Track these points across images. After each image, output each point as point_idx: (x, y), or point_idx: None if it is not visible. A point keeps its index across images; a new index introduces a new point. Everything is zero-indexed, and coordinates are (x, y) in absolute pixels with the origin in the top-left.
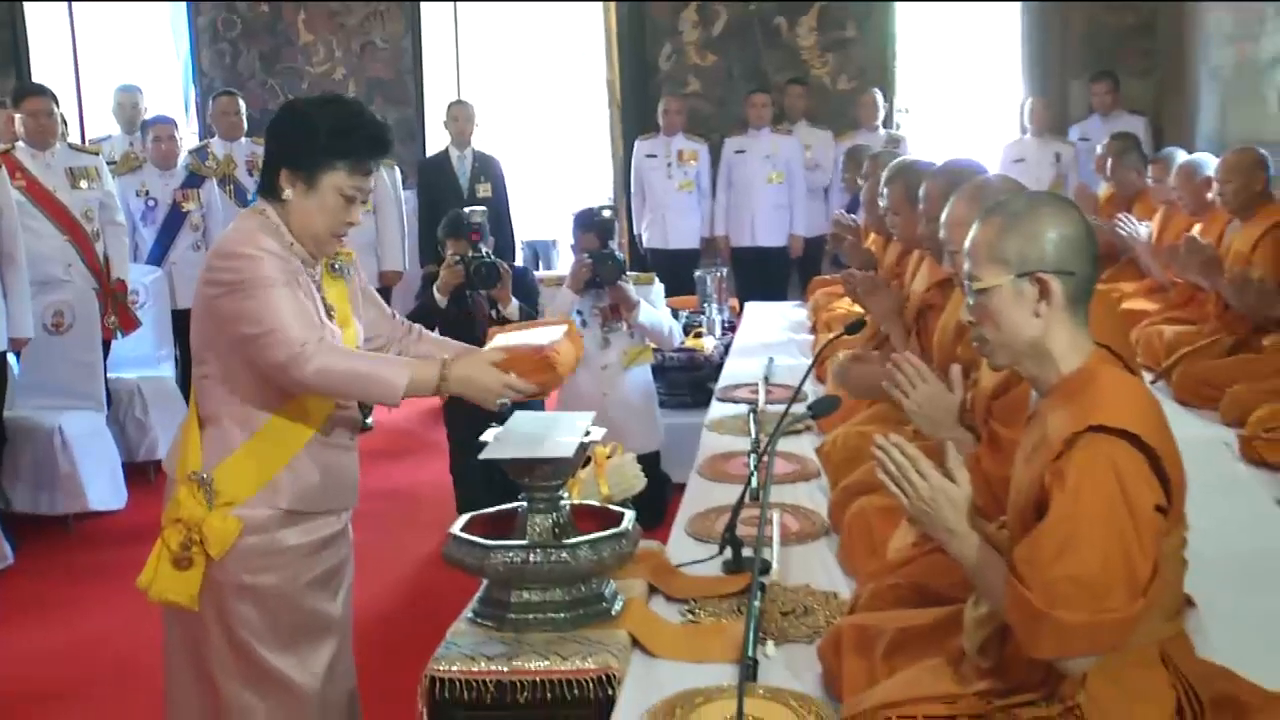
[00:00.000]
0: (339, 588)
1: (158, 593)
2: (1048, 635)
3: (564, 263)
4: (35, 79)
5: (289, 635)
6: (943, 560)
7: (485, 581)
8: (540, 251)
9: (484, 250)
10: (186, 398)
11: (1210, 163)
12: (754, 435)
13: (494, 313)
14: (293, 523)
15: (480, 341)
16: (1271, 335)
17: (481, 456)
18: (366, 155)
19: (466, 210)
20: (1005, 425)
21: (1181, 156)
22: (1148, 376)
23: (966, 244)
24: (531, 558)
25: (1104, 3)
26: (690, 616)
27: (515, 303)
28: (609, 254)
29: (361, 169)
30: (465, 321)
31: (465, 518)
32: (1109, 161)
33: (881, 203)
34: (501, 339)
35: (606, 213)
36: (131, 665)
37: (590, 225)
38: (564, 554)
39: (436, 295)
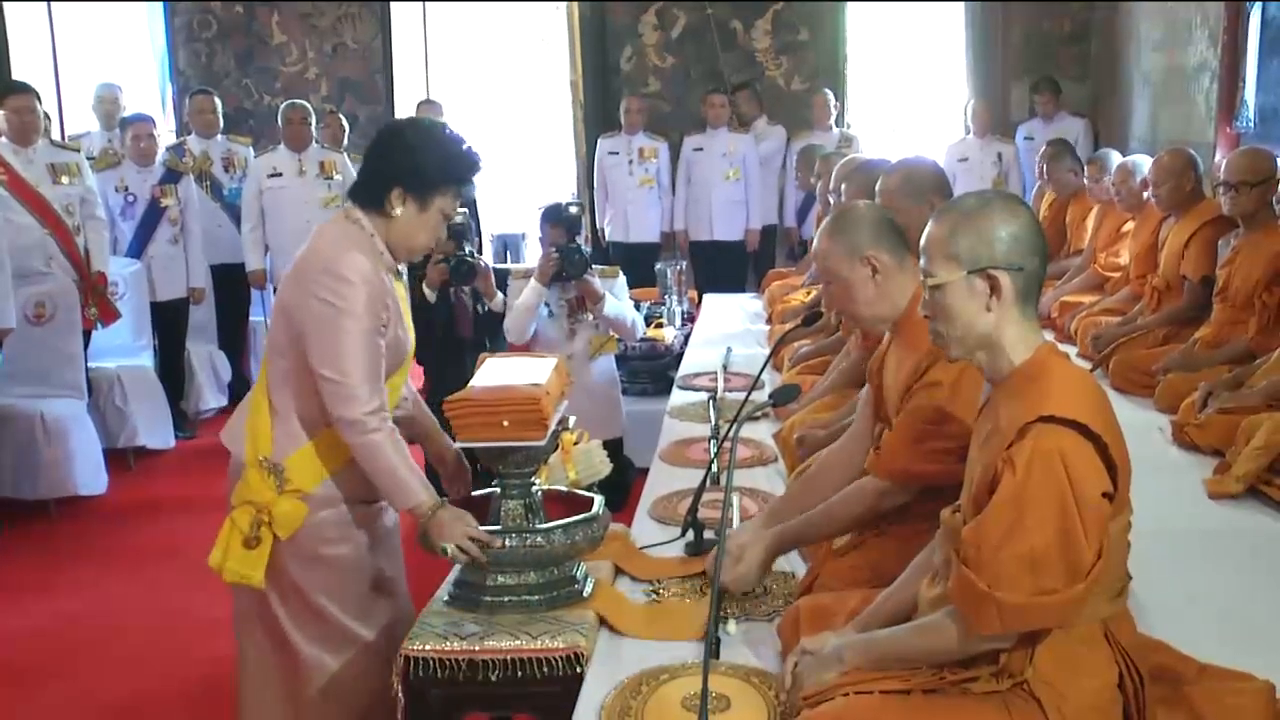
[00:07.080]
0: (394, 549)
1: (230, 573)
2: (991, 615)
3: (531, 255)
4: (16, 77)
5: (359, 597)
6: (894, 544)
7: (459, 565)
8: (509, 245)
9: (467, 249)
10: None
11: (1145, 164)
12: (714, 422)
13: (479, 307)
14: (356, 500)
15: (463, 336)
16: (1201, 328)
17: (456, 445)
18: (470, 180)
19: None
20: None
21: (1116, 158)
22: (1085, 365)
23: (923, 241)
24: (507, 542)
25: (1042, 4)
26: (654, 596)
27: (500, 296)
28: (575, 248)
29: (461, 193)
30: (451, 315)
31: None
32: (1044, 166)
33: (833, 199)
34: (491, 366)
35: (574, 208)
36: (110, 643)
37: (558, 220)
38: (539, 538)
39: (426, 291)
